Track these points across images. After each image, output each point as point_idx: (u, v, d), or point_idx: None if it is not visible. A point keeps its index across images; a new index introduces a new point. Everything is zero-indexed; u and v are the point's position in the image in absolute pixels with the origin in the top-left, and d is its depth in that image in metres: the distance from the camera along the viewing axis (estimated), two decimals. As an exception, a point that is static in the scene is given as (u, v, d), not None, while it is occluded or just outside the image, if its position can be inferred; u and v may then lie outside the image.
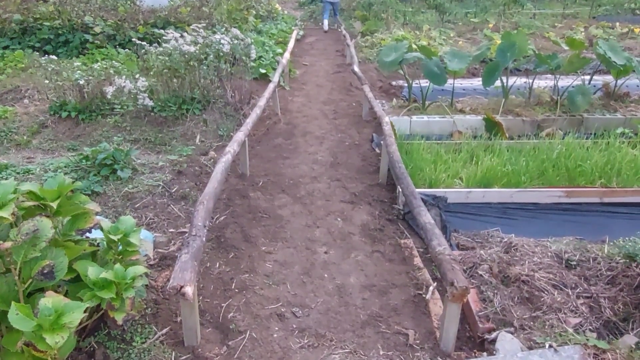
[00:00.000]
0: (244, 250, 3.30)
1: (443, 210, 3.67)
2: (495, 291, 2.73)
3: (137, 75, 5.48)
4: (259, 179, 4.50)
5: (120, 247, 2.24)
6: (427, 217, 2.83)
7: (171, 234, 3.68)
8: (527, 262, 2.98)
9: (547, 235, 3.65)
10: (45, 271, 1.71)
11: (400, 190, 3.49)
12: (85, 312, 2.05)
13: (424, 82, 6.76)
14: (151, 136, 5.74)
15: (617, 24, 12.64)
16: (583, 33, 11.78)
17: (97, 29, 9.85)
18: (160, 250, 3.48)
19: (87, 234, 3.44)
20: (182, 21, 10.01)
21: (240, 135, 4.11)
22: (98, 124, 5.92)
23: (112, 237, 2.16)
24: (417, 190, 3.71)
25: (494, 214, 3.89)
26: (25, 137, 5.79)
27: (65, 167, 4.55)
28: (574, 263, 3.02)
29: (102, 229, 2.26)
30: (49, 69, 5.87)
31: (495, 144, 4.85)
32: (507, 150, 4.77)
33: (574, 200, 3.94)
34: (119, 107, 6.01)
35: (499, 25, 13.60)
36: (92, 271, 1.95)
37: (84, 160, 4.39)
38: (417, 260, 3.20)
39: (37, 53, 10.18)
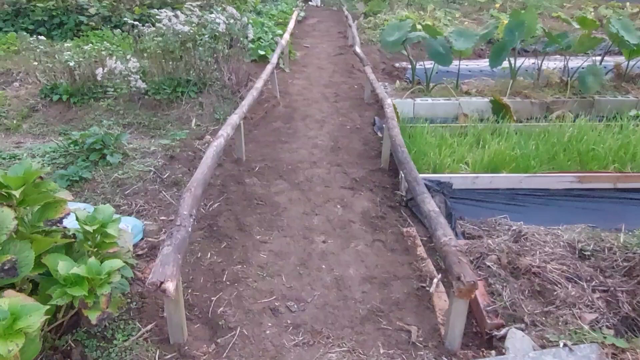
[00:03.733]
0: (237, 240, 3.12)
1: (448, 196, 3.47)
2: (505, 284, 2.55)
3: (128, 57, 5.25)
4: (255, 164, 4.30)
5: (98, 239, 2.06)
6: (431, 205, 2.63)
7: (162, 222, 3.51)
8: (538, 252, 2.79)
9: (558, 223, 3.45)
10: (5, 267, 1.53)
11: (403, 175, 3.29)
12: (59, 309, 1.89)
13: (429, 64, 6.51)
14: (145, 120, 5.54)
15: (628, 3, 12.22)
16: (593, 13, 11.39)
17: (92, 10, 9.58)
18: (150, 239, 3.31)
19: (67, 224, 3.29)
20: (180, 2, 9.72)
21: (234, 118, 3.91)
22: (90, 108, 5.72)
23: (87, 227, 1.98)
24: (421, 175, 3.51)
25: (502, 201, 3.69)
26: (15, 122, 5.60)
27: (53, 152, 4.37)
28: (588, 253, 2.83)
29: (77, 219, 2.08)
30: (38, 51, 5.64)
31: (503, 127, 4.62)
32: (516, 134, 4.55)
33: (587, 186, 3.73)
34: (112, 90, 5.80)
35: (506, 5, 13.18)
36: (63, 266, 1.78)
37: (72, 145, 4.20)
38: (421, 250, 3.01)
39: (31, 35, 9.95)
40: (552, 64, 6.86)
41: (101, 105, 5.70)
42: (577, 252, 2.86)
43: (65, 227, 2.20)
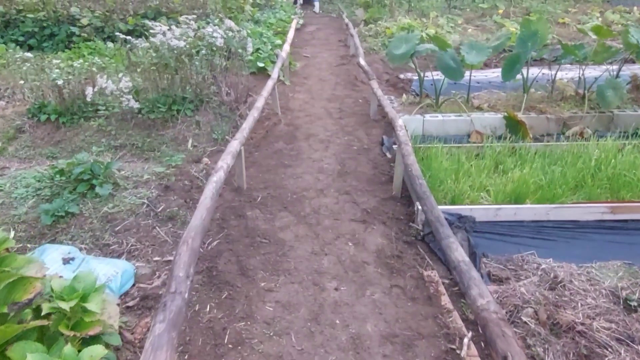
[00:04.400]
0: (239, 288, 2.79)
1: (471, 232, 3.16)
2: (546, 345, 2.24)
3: (120, 75, 4.93)
4: (257, 193, 3.98)
5: (77, 316, 1.73)
6: (459, 253, 2.31)
7: (156, 264, 3.19)
8: (579, 304, 2.48)
9: (589, 259, 3.15)
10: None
11: (422, 211, 2.98)
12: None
13: (436, 75, 6.21)
14: (138, 141, 5.22)
15: (635, 8, 11.97)
16: (600, 19, 11.13)
17: (85, 21, 9.27)
18: (142, 285, 2.99)
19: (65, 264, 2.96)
20: (175, 11, 9.42)
21: (234, 145, 3.59)
22: (80, 128, 5.39)
23: (63, 305, 1.65)
24: (439, 207, 3.20)
25: (527, 234, 3.38)
26: (0, 144, 5.27)
27: (38, 181, 4.04)
28: (635, 304, 2.52)
29: (52, 291, 1.75)
30: (24, 68, 5.32)
31: (522, 149, 4.31)
32: (535, 154, 4.24)
33: (620, 217, 3.43)
34: (104, 108, 5.48)
35: (509, 10, 12.94)
36: (32, 359, 1.45)
37: (58, 175, 3.87)
38: (445, 300, 2.69)
39: (21, 48, 9.63)
40: (563, 73, 6.56)
41: (92, 126, 5.38)
42: (621, 301, 2.54)
43: (39, 296, 1.87)
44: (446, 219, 3.14)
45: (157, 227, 3.49)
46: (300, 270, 2.97)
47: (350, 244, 3.26)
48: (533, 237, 3.36)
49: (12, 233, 3.49)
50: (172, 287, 1.88)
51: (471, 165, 4.04)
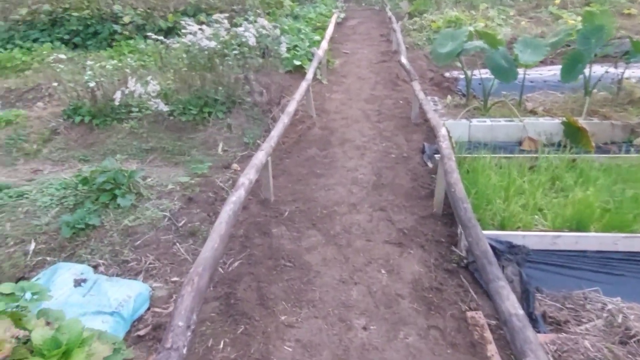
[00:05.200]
0: (257, 322, 2.53)
1: (523, 265, 2.74)
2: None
3: (149, 78, 4.79)
4: (285, 206, 3.70)
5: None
6: (511, 304, 1.93)
7: (173, 285, 2.99)
8: (660, 367, 2.04)
9: (667, 300, 2.67)
10: None
11: (466, 242, 2.59)
12: None
13: (485, 73, 5.70)
14: (169, 145, 5.08)
15: None
16: (672, 7, 10.05)
17: (126, 19, 9.33)
18: (157, 309, 2.79)
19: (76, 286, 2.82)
20: (214, 7, 9.30)
21: (260, 157, 3.32)
22: (113, 130, 5.32)
23: (41, 364, 1.43)
24: (486, 233, 2.81)
25: (590, 267, 2.92)
26: (34, 146, 5.29)
27: (64, 188, 3.95)
28: None
29: (32, 341, 1.54)
30: (58, 70, 5.30)
31: (584, 162, 3.80)
32: (600, 169, 3.72)
33: None
34: (137, 110, 5.38)
35: (567, 1, 11.96)
36: None
37: (81, 184, 3.75)
38: (492, 350, 2.31)
39: (66, 46, 9.83)
40: (631, 72, 5.85)
41: (124, 128, 5.29)
42: None
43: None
44: (495, 247, 2.75)
45: (177, 244, 3.29)
46: (326, 302, 2.67)
47: (383, 272, 2.93)
48: (597, 270, 2.90)
49: (33, 245, 3.41)
50: (169, 341, 1.62)
51: (524, 181, 3.58)
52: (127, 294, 2.71)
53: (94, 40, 9.88)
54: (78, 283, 2.74)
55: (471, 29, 6.91)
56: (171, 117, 5.31)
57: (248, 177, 2.99)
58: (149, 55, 7.56)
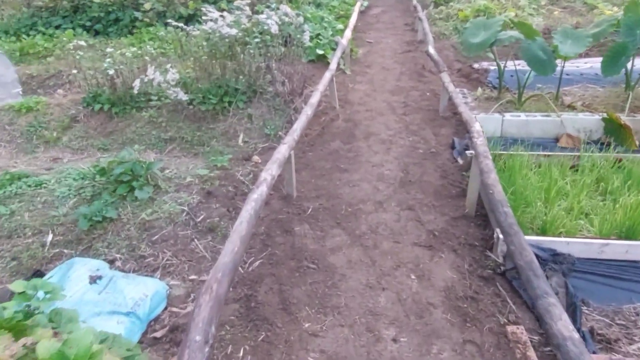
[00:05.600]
0: (280, 329, 2.37)
1: (569, 276, 2.52)
2: None
3: (168, 66, 4.64)
4: (308, 203, 3.53)
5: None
6: (564, 325, 1.73)
7: (191, 284, 2.86)
8: None
9: None
10: None
11: (502, 241, 2.38)
12: None
13: (518, 65, 5.39)
14: (188, 135, 4.95)
15: None
16: None
17: (147, 6, 9.22)
18: (174, 309, 2.66)
19: (92, 283, 2.70)
20: (235, -7, 9.12)
21: (282, 151, 3.15)
22: (132, 119, 5.22)
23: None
24: (526, 238, 2.59)
25: (641, 278, 2.67)
26: (54, 134, 5.22)
27: (82, 178, 3.85)
28: None
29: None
30: (77, 57, 5.21)
31: (632, 162, 3.52)
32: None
33: None
34: (156, 98, 5.25)
35: (603, -11, 11.39)
36: None
37: (98, 175, 3.64)
38: (536, 370, 2.11)
39: (88, 32, 9.79)
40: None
41: (143, 117, 5.18)
42: None
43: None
44: (537, 255, 2.53)
45: (195, 240, 3.15)
46: (352, 309, 2.50)
47: (413, 277, 2.74)
48: (650, 282, 2.65)
49: (50, 237, 3.32)
50: (185, 358, 1.47)
51: (566, 182, 3.33)
52: (143, 293, 2.59)
53: (115, 27, 9.82)
54: (93, 280, 2.63)
55: (505, 18, 6.58)
56: (191, 106, 5.17)
57: (270, 172, 2.82)
58: (169, 43, 7.44)
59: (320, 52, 6.88)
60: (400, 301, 2.55)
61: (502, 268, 2.78)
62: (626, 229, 2.80)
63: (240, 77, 5.26)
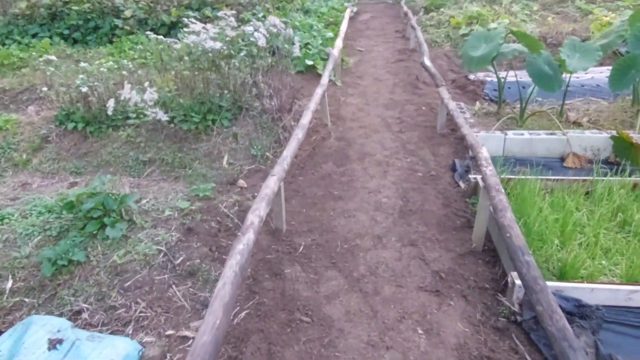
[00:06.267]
0: (269, 405, 2.04)
1: (598, 332, 2.22)
2: None
3: (146, 84, 4.28)
4: (299, 238, 3.20)
5: None
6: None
7: (168, 340, 2.51)
8: None
9: None
10: None
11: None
12: None
13: (520, 76, 5.13)
14: (168, 156, 4.60)
15: None
16: None
17: (128, 13, 8.84)
18: (148, 374, 2.30)
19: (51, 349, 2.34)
20: (220, 1, 8.77)
21: (271, 185, 2.82)
22: (108, 139, 4.84)
23: None
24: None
25: (674, 329, 2.39)
26: (24, 156, 4.82)
27: (48, 212, 3.47)
28: None
29: None
30: (49, 73, 4.82)
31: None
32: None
33: None
34: (134, 116, 4.88)
35: (595, -7, 11.26)
36: None
37: (65, 211, 3.27)
38: None
39: (65, 41, 9.36)
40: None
41: (120, 136, 4.81)
42: None
43: None
44: (560, 306, 2.22)
45: (173, 286, 2.80)
46: (353, 376, 2.18)
47: (420, 332, 2.42)
48: (684, 333, 2.37)
49: (10, 283, 2.94)
50: None
51: (582, 213, 3.04)
52: (110, 359, 2.23)
53: (95, 36, 9.41)
54: (53, 345, 2.27)
55: (503, 27, 6.33)
56: (172, 125, 4.81)
57: (258, 213, 2.48)
58: (151, 53, 7.07)
59: (309, 62, 6.56)
60: (407, 364, 2.23)
61: (519, 318, 2.48)
62: (655, 272, 2.52)
63: (225, 92, 4.92)
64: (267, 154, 4.58)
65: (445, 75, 6.65)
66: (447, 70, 6.94)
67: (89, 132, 4.91)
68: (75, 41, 9.44)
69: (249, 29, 4.46)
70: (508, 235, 2.31)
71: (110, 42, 8.63)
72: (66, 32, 9.52)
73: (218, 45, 4.27)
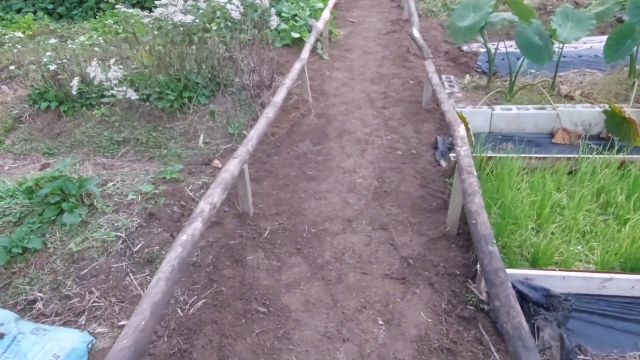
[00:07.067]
0: (212, 402, 1.95)
1: (565, 325, 2.09)
2: None
3: (112, 61, 4.09)
4: (266, 222, 3.07)
5: None
6: None
7: (121, 331, 2.40)
8: None
9: None
10: None
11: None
12: None
13: (510, 46, 4.86)
14: (143, 135, 4.45)
15: None
16: None
17: (112, -14, 8.52)
18: (97, 366, 2.23)
19: None
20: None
21: (231, 168, 2.67)
22: (82, 118, 4.69)
23: None
24: (513, 272, 2.19)
25: (650, 318, 2.25)
26: (-5, 137, 4.70)
27: (10, 196, 3.36)
28: None
29: None
30: (15, 51, 4.63)
31: (636, 166, 3.06)
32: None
33: None
34: (109, 94, 4.71)
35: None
36: None
37: (24, 195, 3.15)
38: None
39: (50, 16, 9.12)
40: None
41: (94, 115, 4.65)
42: None
43: None
44: (527, 296, 2.10)
45: (130, 274, 2.70)
46: (304, 370, 2.07)
47: (380, 322, 2.30)
48: (659, 323, 2.23)
49: (-36, 271, 2.86)
50: None
51: (562, 193, 2.87)
52: (54, 354, 2.15)
53: (80, 10, 9.16)
54: (-6, 339, 2.18)
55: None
56: (147, 103, 4.64)
57: (210, 200, 2.34)
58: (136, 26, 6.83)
59: (296, 35, 6.28)
60: (362, 358, 2.12)
61: (486, 307, 2.35)
62: (632, 260, 2.36)
63: (203, 67, 4.72)
64: (245, 132, 4.41)
65: (439, 46, 6.37)
66: (442, 41, 6.64)
67: (63, 112, 4.76)
68: (60, 16, 9.19)
69: (221, 0, 4.21)
70: (474, 222, 2.15)
71: (95, 16, 8.38)
72: (50, 6, 9.26)
73: (189, 18, 4.04)
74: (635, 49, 4.26)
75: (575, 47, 5.64)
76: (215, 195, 2.40)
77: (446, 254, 2.74)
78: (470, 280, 2.56)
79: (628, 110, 3.88)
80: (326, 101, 4.90)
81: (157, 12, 4.07)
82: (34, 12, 9.01)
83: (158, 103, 4.59)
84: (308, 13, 6.80)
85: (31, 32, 8.03)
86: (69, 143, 4.54)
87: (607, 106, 3.94)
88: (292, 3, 7.05)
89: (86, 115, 4.70)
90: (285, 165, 3.76)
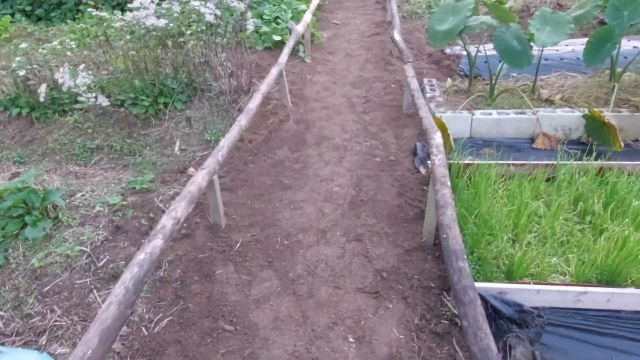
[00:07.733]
0: None
1: (537, 342, 2.03)
2: None
3: (81, 67, 3.97)
4: (238, 234, 2.98)
5: None
6: None
7: (82, 353, 2.30)
8: None
9: None
10: None
11: (460, 321, 1.88)
12: None
13: (491, 49, 4.82)
14: (117, 142, 4.34)
15: None
16: None
17: (92, -13, 8.36)
18: (54, 392, 2.12)
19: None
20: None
21: (198, 180, 2.58)
22: (55, 125, 4.57)
23: None
24: (487, 286, 2.13)
25: (627, 332, 2.20)
26: (-35, 145, 4.55)
27: (-27, 209, 3.23)
28: None
29: None
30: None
31: (614, 174, 3.01)
32: (636, 184, 2.95)
33: None
34: (82, 100, 4.58)
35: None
36: None
37: (-16, 209, 3.02)
38: None
39: (28, 19, 8.94)
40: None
41: (67, 122, 4.53)
42: None
43: None
44: (500, 311, 2.03)
45: (94, 291, 2.60)
46: (269, 393, 1.99)
47: (350, 340, 2.23)
48: (635, 338, 2.18)
49: None
50: None
51: (539, 202, 2.82)
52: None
53: (58, 12, 8.98)
54: (-57, 364, 2.07)
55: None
56: (121, 109, 4.53)
57: (173, 214, 2.25)
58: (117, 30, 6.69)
59: (277, 38, 6.20)
60: (331, 378, 2.04)
61: (459, 322, 2.28)
62: (610, 271, 2.31)
63: (179, 72, 4.61)
64: (222, 139, 4.31)
65: (422, 49, 6.32)
66: (425, 43, 6.58)
67: (35, 118, 4.62)
68: (38, 18, 9.00)
69: (195, 3, 4.11)
70: (445, 236, 2.08)
71: (74, 18, 8.22)
72: (28, 8, 9.07)
73: (162, 22, 3.94)
74: (615, 52, 4.24)
75: (557, 50, 5.62)
76: (179, 210, 2.30)
77: (421, 266, 2.67)
78: (445, 293, 2.49)
79: (607, 114, 3.85)
80: (306, 106, 4.82)
81: (129, 16, 3.96)
82: (12, 14, 8.82)
83: (133, 109, 4.48)
84: (290, 15, 6.72)
85: (8, 35, 7.84)
86: (40, 151, 4.41)
87: (587, 110, 3.91)
88: (274, 5, 6.97)
89: (59, 122, 4.58)
90: (261, 174, 3.67)
